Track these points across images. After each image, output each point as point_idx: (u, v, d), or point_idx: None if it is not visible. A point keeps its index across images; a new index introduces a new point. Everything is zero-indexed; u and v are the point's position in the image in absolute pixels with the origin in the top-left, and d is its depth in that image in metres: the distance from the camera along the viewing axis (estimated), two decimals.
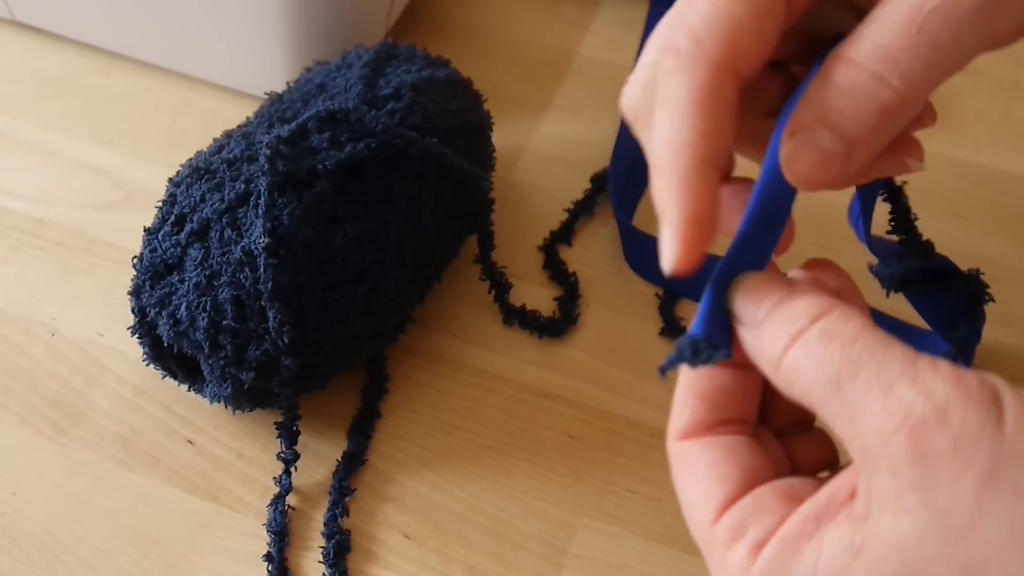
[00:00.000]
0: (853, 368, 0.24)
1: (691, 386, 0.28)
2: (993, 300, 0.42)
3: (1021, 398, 0.23)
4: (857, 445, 0.24)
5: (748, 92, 0.28)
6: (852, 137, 0.26)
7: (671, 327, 0.47)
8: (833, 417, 0.24)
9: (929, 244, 0.39)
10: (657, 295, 0.48)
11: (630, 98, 0.28)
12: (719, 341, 0.26)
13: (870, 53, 0.25)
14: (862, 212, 0.37)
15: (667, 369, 0.27)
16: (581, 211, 0.51)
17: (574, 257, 0.50)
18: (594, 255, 0.50)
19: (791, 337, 0.25)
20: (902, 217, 0.38)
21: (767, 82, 0.31)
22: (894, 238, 0.39)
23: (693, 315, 0.28)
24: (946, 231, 0.51)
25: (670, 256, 0.26)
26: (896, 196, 0.37)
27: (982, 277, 0.42)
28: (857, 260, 0.51)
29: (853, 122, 0.26)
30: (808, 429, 0.30)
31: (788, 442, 0.30)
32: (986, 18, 0.25)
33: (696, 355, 0.26)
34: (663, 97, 0.26)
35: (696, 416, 0.28)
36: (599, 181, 0.52)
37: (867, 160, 0.27)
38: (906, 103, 0.25)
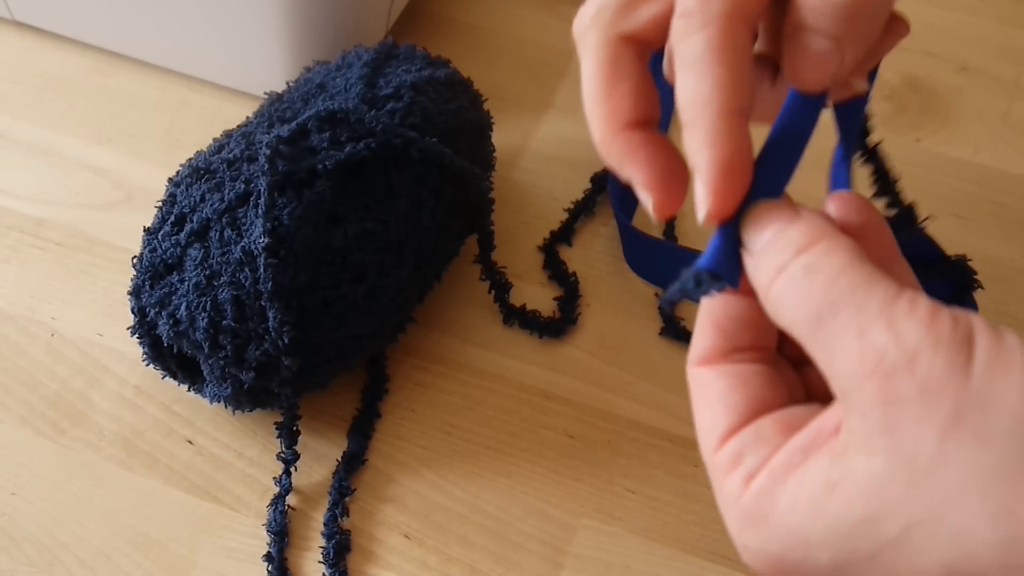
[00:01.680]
0: (833, 307, 0.24)
1: (708, 314, 0.29)
2: (981, 287, 0.42)
3: (996, 340, 0.23)
4: (836, 383, 0.24)
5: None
6: (835, 33, 0.27)
7: (671, 327, 0.47)
8: (814, 353, 0.25)
9: (912, 207, 0.39)
10: (657, 295, 0.48)
11: (579, 19, 0.29)
12: (726, 272, 0.27)
13: None
14: (844, 157, 0.37)
15: (671, 301, 0.27)
16: (581, 211, 0.51)
17: (574, 257, 0.50)
18: (594, 255, 0.50)
19: (777, 268, 0.25)
20: (883, 178, 0.38)
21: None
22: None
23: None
24: (946, 231, 0.51)
25: (704, 206, 0.26)
26: (875, 157, 0.37)
27: (980, 276, 0.42)
28: None
29: (829, 19, 0.26)
30: None
31: (805, 371, 0.30)
32: None
33: (697, 286, 0.26)
34: (681, 59, 0.27)
35: (712, 343, 0.29)
36: (599, 181, 0.52)
37: (860, 53, 0.27)
38: None
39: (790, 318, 0.25)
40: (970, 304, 0.42)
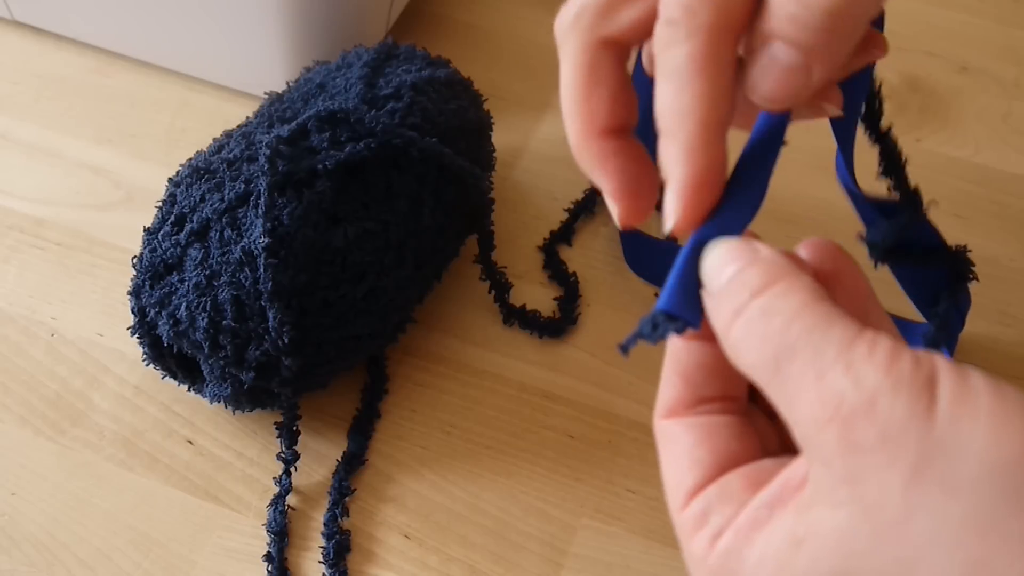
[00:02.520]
0: (790, 351, 0.23)
1: (673, 363, 0.28)
2: (976, 279, 0.42)
3: (960, 381, 0.22)
4: (797, 430, 0.23)
5: None
6: (808, 45, 0.25)
7: None
8: (775, 400, 0.24)
9: (917, 190, 0.38)
10: (657, 295, 0.48)
11: (560, 20, 0.29)
12: (685, 313, 0.26)
13: None
14: (842, 151, 0.36)
15: (627, 347, 0.26)
16: (581, 211, 0.51)
17: (574, 257, 0.50)
18: (594, 255, 0.50)
19: (734, 311, 0.25)
20: (890, 159, 0.37)
21: None
22: (882, 193, 0.38)
23: None
24: (946, 231, 0.51)
25: (672, 217, 0.27)
26: (884, 138, 0.37)
27: (980, 276, 0.42)
28: None
29: (805, 28, 0.25)
30: None
31: (780, 421, 0.29)
32: None
33: (654, 329, 0.26)
34: (662, 67, 0.26)
35: (677, 394, 0.28)
36: None
37: (828, 71, 0.26)
38: (853, 3, 0.25)
39: (748, 363, 0.24)
40: (964, 296, 0.42)
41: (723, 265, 0.26)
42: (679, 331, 0.26)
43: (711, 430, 0.27)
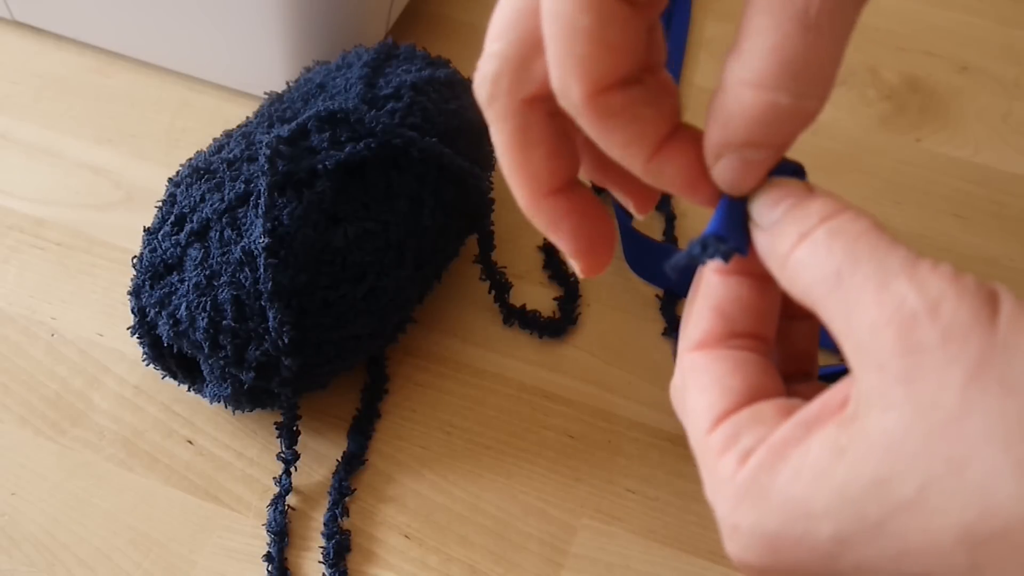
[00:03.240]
0: (854, 263, 0.24)
1: (707, 296, 0.28)
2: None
3: (1020, 300, 0.23)
4: (851, 342, 0.23)
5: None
6: (780, 144, 0.26)
7: (673, 327, 0.47)
8: (831, 315, 0.24)
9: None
10: (657, 295, 0.48)
11: (477, 87, 0.28)
12: (734, 238, 0.26)
13: (779, 75, 0.24)
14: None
15: (676, 265, 0.26)
16: None
17: None
18: None
19: (799, 235, 0.25)
20: None
21: None
22: None
23: None
24: (946, 231, 0.51)
25: (579, 272, 0.30)
26: None
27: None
28: None
29: (781, 136, 0.25)
30: (810, 378, 0.30)
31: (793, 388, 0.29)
32: None
33: (703, 250, 0.26)
34: (495, 143, 0.28)
35: (710, 327, 0.28)
36: None
37: (789, 142, 0.27)
38: (822, 100, 0.25)
39: (808, 280, 0.24)
40: None
41: (780, 198, 0.26)
42: (727, 256, 0.26)
43: (742, 363, 0.27)
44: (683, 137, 0.27)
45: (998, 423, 0.21)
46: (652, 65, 0.27)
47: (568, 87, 0.25)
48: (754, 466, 0.24)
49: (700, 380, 0.27)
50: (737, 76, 0.25)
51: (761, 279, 0.27)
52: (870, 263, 0.23)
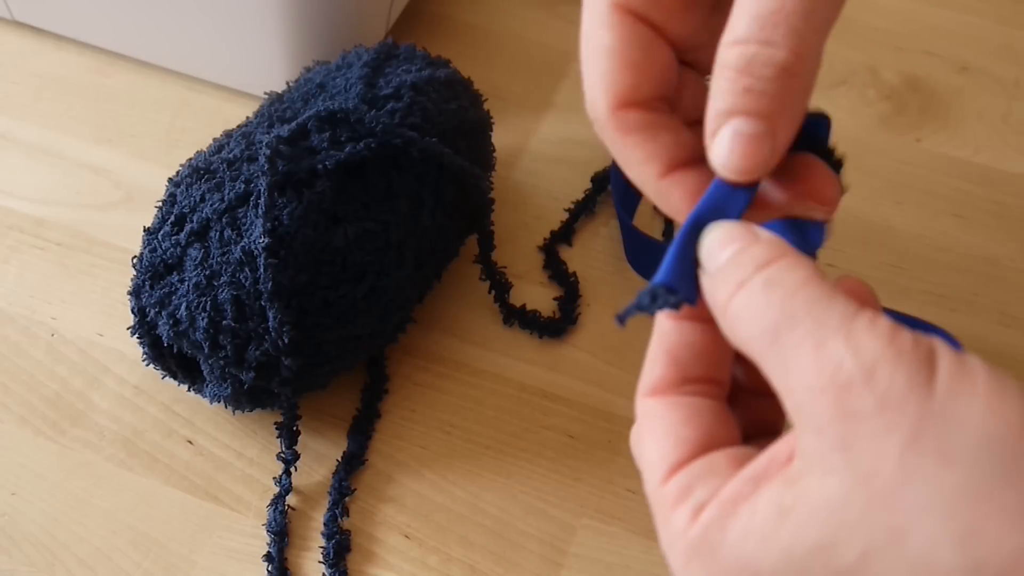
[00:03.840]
0: (791, 320, 0.23)
1: (661, 342, 0.28)
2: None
3: (958, 359, 0.22)
4: (790, 400, 0.23)
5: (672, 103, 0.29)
6: (767, 111, 0.26)
7: None
8: (770, 370, 0.24)
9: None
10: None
11: None
12: (684, 288, 0.26)
13: (749, 26, 0.25)
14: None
15: (624, 318, 0.26)
16: (581, 211, 0.51)
17: (574, 257, 0.50)
18: (594, 255, 0.50)
19: (737, 284, 0.25)
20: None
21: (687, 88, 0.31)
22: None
23: None
24: (946, 231, 0.51)
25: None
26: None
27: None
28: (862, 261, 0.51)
29: (761, 96, 0.26)
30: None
31: (756, 406, 0.29)
32: None
33: (652, 301, 0.26)
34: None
35: (664, 373, 0.28)
36: (600, 181, 0.52)
37: (792, 131, 0.27)
38: (801, 59, 0.25)
39: (746, 334, 0.24)
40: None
41: (725, 244, 0.26)
42: (676, 305, 0.26)
43: (696, 410, 0.27)
44: (699, 168, 0.28)
45: (936, 494, 0.21)
46: (684, 108, 0.29)
47: (594, 100, 0.28)
48: (705, 523, 0.25)
49: (655, 428, 0.27)
50: (722, 41, 0.26)
51: (714, 323, 0.28)
52: (807, 320, 0.23)
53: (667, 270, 0.26)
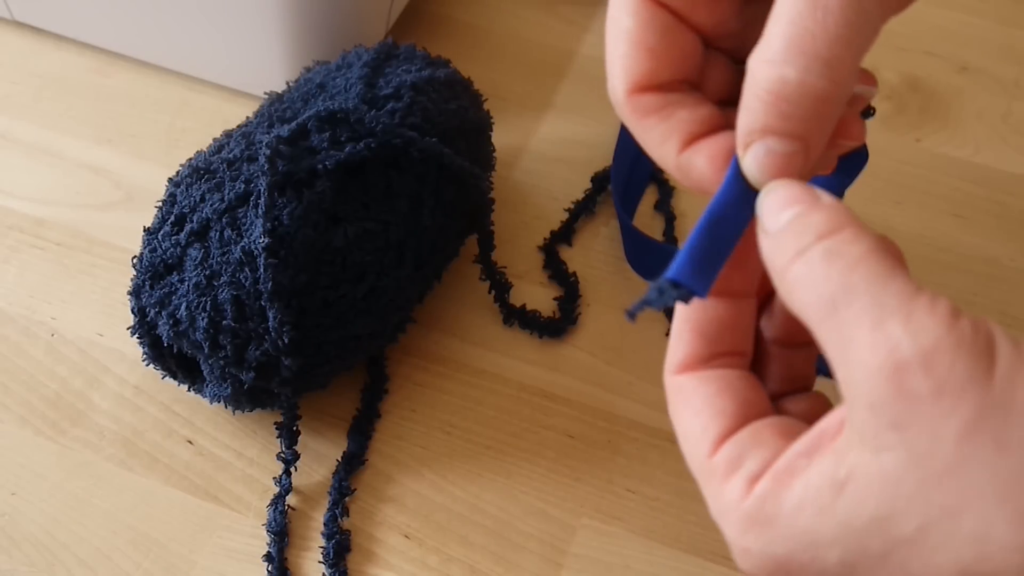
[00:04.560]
0: (849, 294, 0.24)
1: (687, 319, 0.28)
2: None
3: (1016, 348, 0.23)
4: (844, 373, 0.24)
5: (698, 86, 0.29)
6: (802, 134, 0.26)
7: None
8: (825, 340, 0.24)
9: None
10: None
11: None
12: (693, 282, 0.26)
13: (787, 50, 0.25)
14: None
15: (634, 313, 0.26)
16: (581, 211, 0.51)
17: (574, 257, 0.50)
18: (594, 255, 0.50)
19: (796, 252, 0.25)
20: None
21: (714, 70, 0.31)
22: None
23: None
24: (946, 231, 0.51)
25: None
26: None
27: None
28: None
29: (797, 121, 0.26)
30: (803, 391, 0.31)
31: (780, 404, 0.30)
32: None
33: (660, 296, 0.26)
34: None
35: (692, 349, 0.28)
36: (600, 181, 0.52)
37: (825, 143, 0.27)
38: (838, 87, 0.25)
39: (803, 300, 0.24)
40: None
41: (784, 206, 0.26)
42: (685, 299, 0.26)
43: (729, 382, 0.27)
44: (719, 134, 0.28)
45: (992, 479, 0.22)
46: (711, 91, 0.30)
47: (613, 83, 0.28)
48: (760, 495, 0.25)
49: (692, 403, 0.28)
50: (756, 56, 0.26)
51: (737, 297, 0.28)
52: (865, 296, 0.23)
53: (680, 262, 0.26)
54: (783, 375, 0.30)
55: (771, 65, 0.25)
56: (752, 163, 0.26)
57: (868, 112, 0.31)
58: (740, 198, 0.27)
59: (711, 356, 0.28)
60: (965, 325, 0.23)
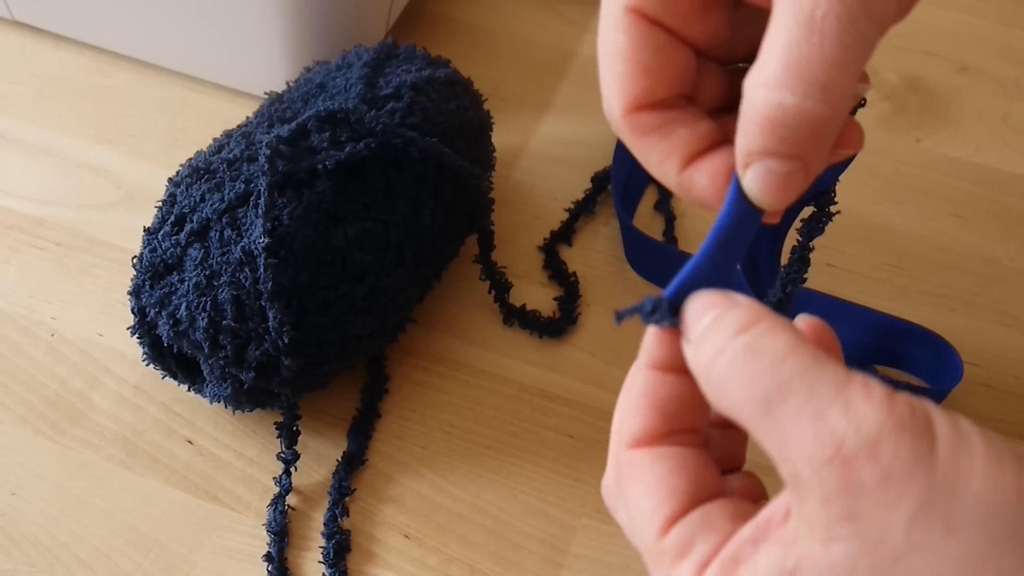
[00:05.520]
0: (783, 391, 0.23)
1: (646, 395, 0.28)
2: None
3: (953, 426, 0.23)
4: (787, 469, 0.23)
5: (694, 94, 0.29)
6: (801, 154, 0.26)
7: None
8: (763, 438, 0.24)
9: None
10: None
11: None
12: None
13: (784, 75, 0.25)
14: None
15: (622, 318, 0.26)
16: (581, 211, 0.51)
17: (574, 257, 0.50)
18: (594, 255, 0.50)
19: (716, 350, 0.25)
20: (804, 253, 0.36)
21: (709, 79, 0.31)
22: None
23: None
24: (946, 231, 0.51)
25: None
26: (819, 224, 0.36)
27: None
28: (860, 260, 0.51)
29: (796, 144, 0.26)
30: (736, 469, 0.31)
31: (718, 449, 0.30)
32: (872, 1, 0.25)
33: (652, 312, 0.26)
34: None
35: (649, 424, 0.28)
36: (600, 181, 0.52)
37: (825, 159, 0.27)
38: (836, 110, 0.25)
39: (733, 402, 0.24)
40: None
41: (702, 312, 0.26)
42: (674, 324, 0.26)
43: (684, 461, 0.27)
44: (718, 152, 0.28)
45: (942, 562, 0.22)
46: (704, 100, 0.29)
47: (609, 102, 0.28)
48: None
49: (643, 480, 0.27)
50: (753, 80, 0.26)
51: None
52: (800, 391, 0.23)
53: (678, 284, 0.26)
54: (720, 455, 0.30)
55: (768, 90, 0.25)
56: (753, 183, 0.26)
57: (859, 104, 0.31)
58: (743, 217, 0.27)
59: (667, 433, 0.28)
60: (902, 407, 0.23)
